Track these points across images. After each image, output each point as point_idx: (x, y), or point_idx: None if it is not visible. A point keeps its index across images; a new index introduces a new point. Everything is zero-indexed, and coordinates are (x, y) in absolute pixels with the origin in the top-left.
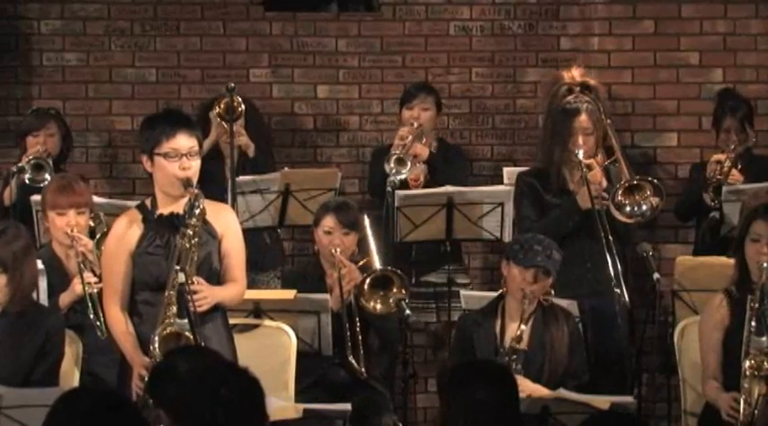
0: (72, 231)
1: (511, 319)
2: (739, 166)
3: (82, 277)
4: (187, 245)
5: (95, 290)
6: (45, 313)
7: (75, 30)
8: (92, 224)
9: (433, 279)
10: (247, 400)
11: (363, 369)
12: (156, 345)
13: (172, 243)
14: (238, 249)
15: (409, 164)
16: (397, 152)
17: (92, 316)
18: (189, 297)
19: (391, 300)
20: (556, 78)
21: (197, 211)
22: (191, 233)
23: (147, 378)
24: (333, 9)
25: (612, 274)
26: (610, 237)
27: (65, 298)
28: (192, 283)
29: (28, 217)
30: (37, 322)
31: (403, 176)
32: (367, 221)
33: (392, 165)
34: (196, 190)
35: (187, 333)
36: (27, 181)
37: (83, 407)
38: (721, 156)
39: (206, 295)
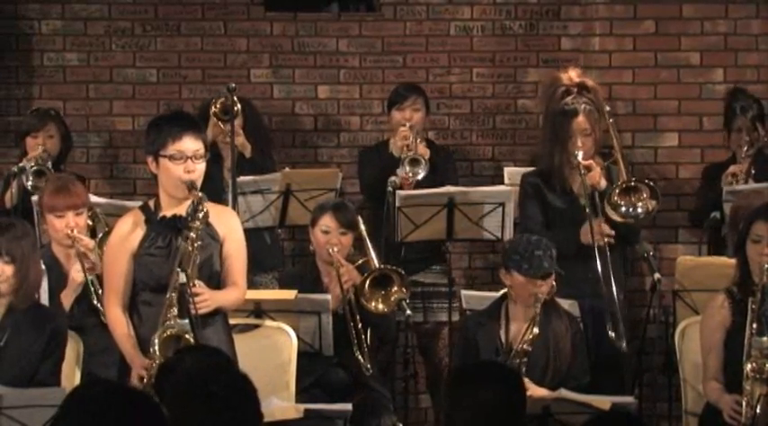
0: (72, 232)
1: (514, 320)
2: (753, 172)
3: (82, 264)
4: (189, 248)
5: (96, 274)
6: (50, 313)
7: (75, 30)
8: (90, 222)
9: (420, 279)
10: (239, 399)
11: (369, 365)
12: (157, 347)
13: (174, 244)
14: (240, 253)
15: (423, 162)
16: (409, 154)
17: (95, 301)
18: (190, 298)
19: (392, 299)
20: (553, 80)
21: (200, 214)
22: (193, 235)
23: (146, 378)
24: (333, 9)
25: (602, 279)
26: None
27: (66, 294)
28: (194, 286)
29: (28, 218)
30: (42, 322)
31: (420, 176)
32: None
33: (408, 169)
34: (199, 194)
35: (187, 335)
36: (29, 188)
37: (98, 399)
38: (736, 169)
39: (207, 298)
